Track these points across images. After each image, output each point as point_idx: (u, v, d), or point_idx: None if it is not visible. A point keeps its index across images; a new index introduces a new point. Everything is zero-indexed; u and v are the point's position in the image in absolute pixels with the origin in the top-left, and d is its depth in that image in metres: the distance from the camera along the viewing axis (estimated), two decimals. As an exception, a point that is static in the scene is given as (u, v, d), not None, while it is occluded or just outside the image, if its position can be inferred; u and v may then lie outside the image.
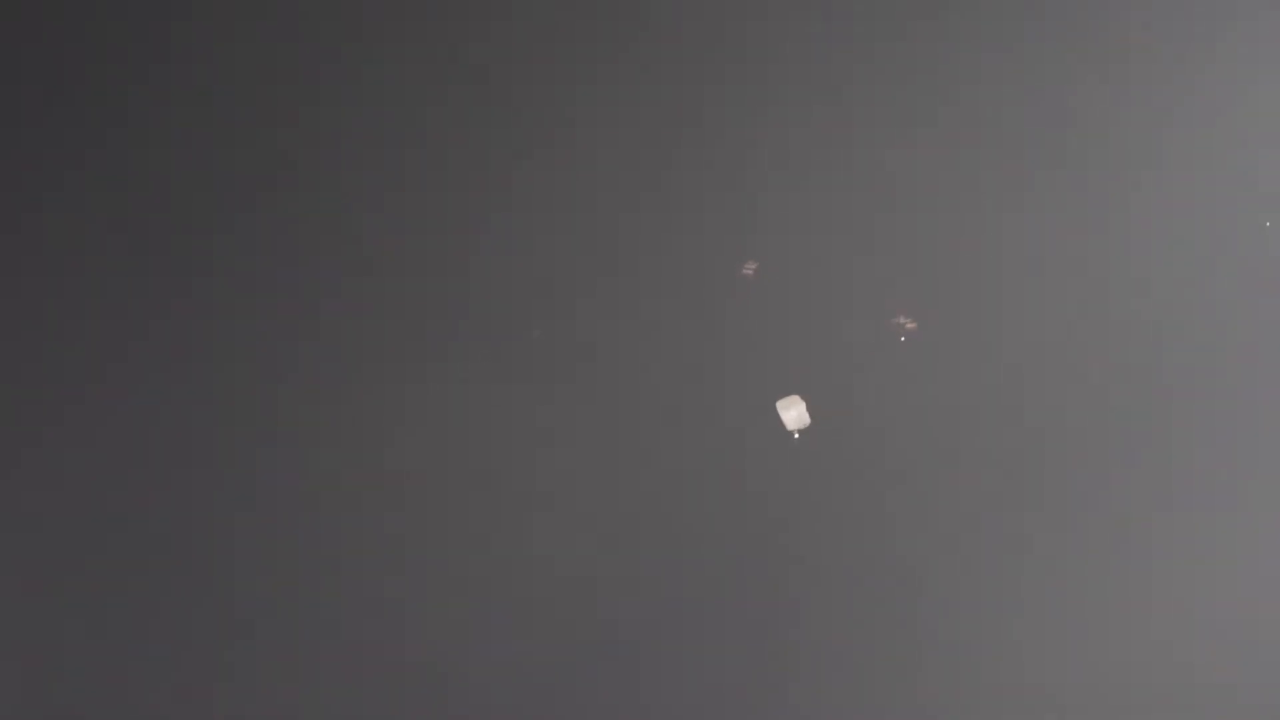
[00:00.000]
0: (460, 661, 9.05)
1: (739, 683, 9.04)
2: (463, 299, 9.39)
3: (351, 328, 9.38)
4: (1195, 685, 8.87)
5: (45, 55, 9.51)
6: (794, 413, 9.06)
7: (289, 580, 9.12)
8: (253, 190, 9.46)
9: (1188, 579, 8.93)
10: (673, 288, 9.36)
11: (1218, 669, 8.86)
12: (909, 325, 8.44)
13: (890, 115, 9.35)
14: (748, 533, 9.16)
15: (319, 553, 9.15)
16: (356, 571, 9.14)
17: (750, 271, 9.01)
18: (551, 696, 9.05)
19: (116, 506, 9.17)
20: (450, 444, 9.26)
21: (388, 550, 9.16)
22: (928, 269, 9.27)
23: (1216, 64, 9.23)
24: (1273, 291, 9.11)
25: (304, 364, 9.35)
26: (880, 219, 9.33)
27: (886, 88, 9.37)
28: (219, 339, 9.35)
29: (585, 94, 9.47)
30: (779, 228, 9.33)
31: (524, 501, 9.22)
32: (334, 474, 9.23)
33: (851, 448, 9.19)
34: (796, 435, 9.08)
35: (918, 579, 9.04)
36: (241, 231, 9.43)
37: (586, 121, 9.44)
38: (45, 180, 9.44)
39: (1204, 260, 9.18)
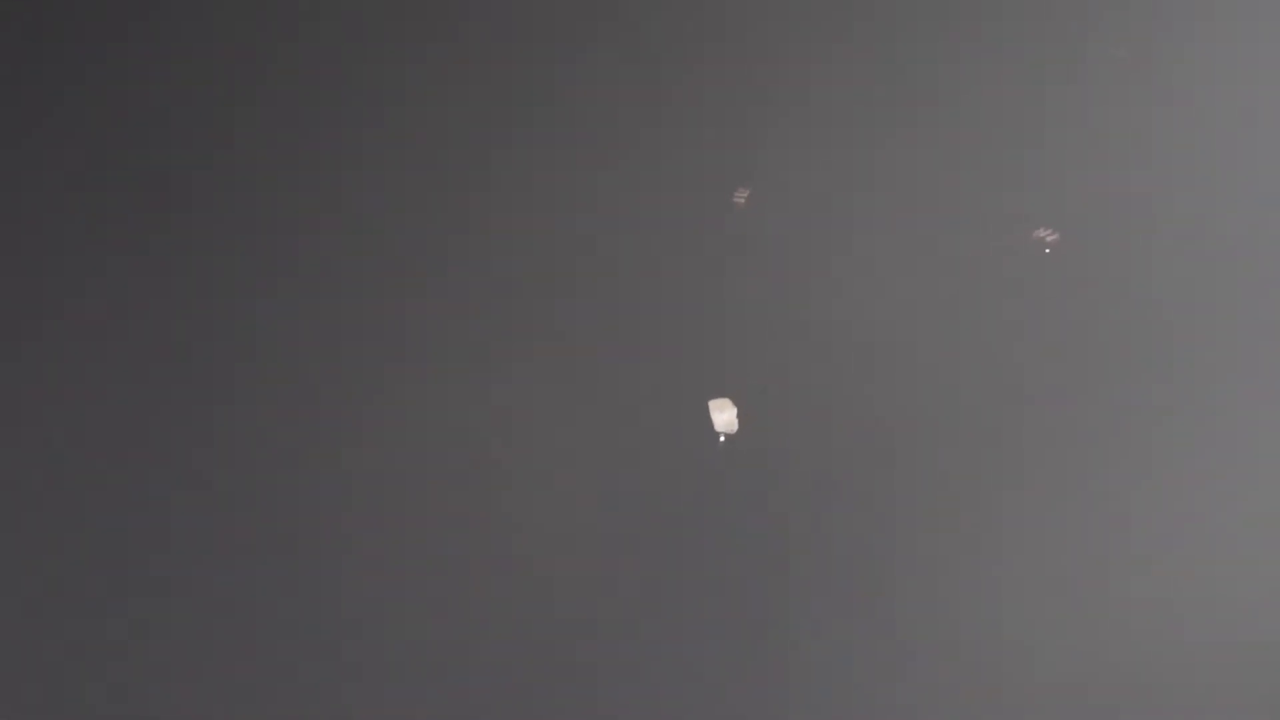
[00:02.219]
0: (453, 660, 9.08)
1: (733, 679, 9.06)
2: (453, 294, 9.43)
3: (342, 323, 9.42)
4: (1193, 678, 8.90)
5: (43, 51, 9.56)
6: (725, 416, 9.08)
7: (278, 577, 9.15)
8: (239, 184, 9.50)
9: (1186, 567, 8.96)
10: (670, 282, 9.39)
11: (1214, 659, 8.90)
12: (1050, 238, 8.42)
13: (886, 108, 9.40)
14: (744, 526, 9.19)
15: (313, 551, 9.18)
16: (347, 568, 9.17)
17: (741, 200, 9.01)
18: (544, 696, 9.07)
19: (103, 505, 9.20)
20: (440, 439, 9.30)
21: (379, 548, 9.19)
22: (923, 261, 9.31)
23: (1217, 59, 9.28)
24: (1271, 284, 9.16)
25: (296, 361, 9.38)
26: (875, 213, 9.37)
27: (882, 81, 9.42)
28: (206, 334, 9.37)
29: (576, 90, 9.50)
30: (776, 222, 9.36)
31: (517, 499, 9.25)
32: (326, 472, 9.26)
33: (848, 441, 9.22)
34: (723, 439, 9.10)
35: (914, 571, 9.07)
36: (227, 225, 9.46)
37: (581, 115, 9.48)
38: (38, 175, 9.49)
39: (1203, 254, 9.22)
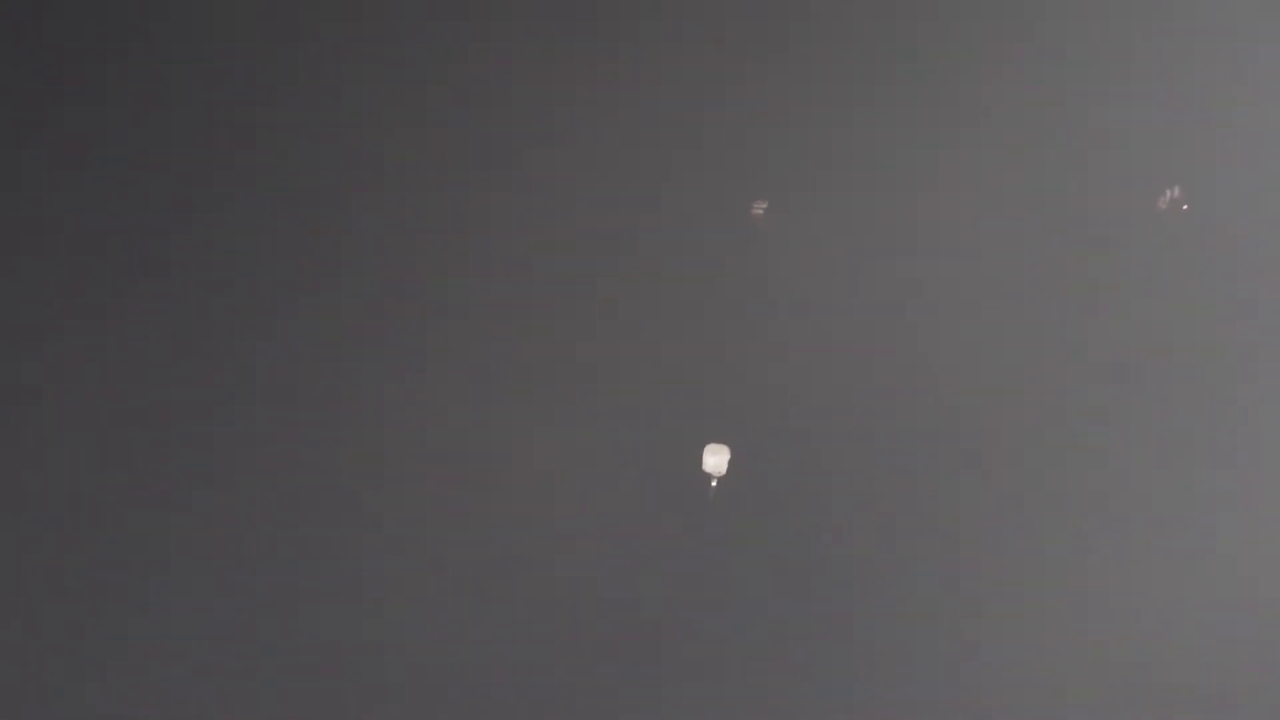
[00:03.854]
0: (452, 664, 9.03)
1: (738, 687, 9.02)
2: (455, 299, 9.39)
3: (343, 328, 9.38)
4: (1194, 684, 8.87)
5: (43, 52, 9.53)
6: (715, 459, 9.05)
7: (276, 581, 9.11)
8: (239, 185, 9.46)
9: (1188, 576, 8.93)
10: (674, 287, 9.35)
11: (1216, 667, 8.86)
12: (1178, 197, 8.36)
13: (891, 112, 9.37)
14: (749, 535, 9.16)
15: (310, 554, 9.14)
16: (346, 574, 9.13)
17: (759, 212, 8.98)
18: (545, 700, 9.03)
19: (101, 505, 9.15)
20: (441, 447, 9.25)
21: (378, 553, 9.15)
22: (924, 266, 9.28)
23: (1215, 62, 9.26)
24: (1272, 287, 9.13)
25: (296, 363, 9.34)
26: (874, 217, 9.34)
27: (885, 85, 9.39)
28: (204, 337, 9.33)
29: (583, 92, 9.47)
30: (784, 225, 9.32)
31: (519, 506, 9.21)
32: (326, 475, 9.22)
33: (853, 446, 9.19)
34: (714, 483, 9.07)
35: (919, 578, 9.04)
36: (226, 227, 9.42)
37: (585, 118, 9.44)
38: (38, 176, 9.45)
39: (1206, 258, 9.19)
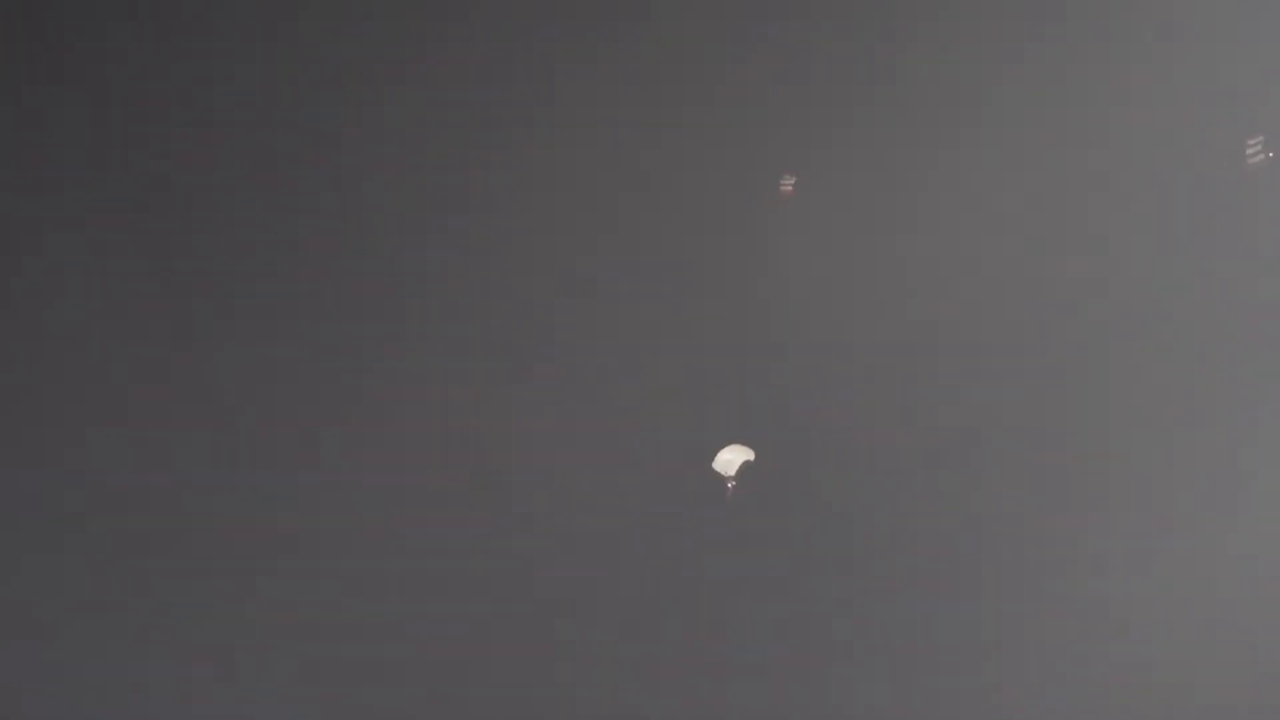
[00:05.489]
0: (457, 665, 9.04)
1: (741, 684, 9.03)
2: (460, 296, 9.39)
3: (347, 327, 9.38)
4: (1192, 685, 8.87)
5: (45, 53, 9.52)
6: (726, 456, 9.05)
7: (283, 581, 9.11)
8: (244, 187, 9.46)
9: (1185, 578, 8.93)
10: (680, 283, 9.35)
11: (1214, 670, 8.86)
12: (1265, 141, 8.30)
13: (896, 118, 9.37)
14: (752, 531, 9.16)
15: (315, 556, 9.15)
16: (352, 574, 9.14)
17: (788, 188, 8.96)
18: (549, 699, 9.04)
19: (107, 508, 9.16)
20: (448, 445, 9.26)
21: (384, 554, 9.16)
22: (924, 269, 9.28)
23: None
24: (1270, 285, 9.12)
25: (299, 365, 9.35)
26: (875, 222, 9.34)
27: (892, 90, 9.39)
28: (211, 338, 9.34)
29: (589, 85, 9.45)
30: (790, 227, 9.33)
31: (525, 505, 9.21)
32: (332, 477, 9.23)
33: (856, 449, 9.19)
34: (731, 484, 9.08)
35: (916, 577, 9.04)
36: (232, 228, 9.43)
37: (589, 113, 9.43)
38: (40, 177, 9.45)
39: (1201, 255, 9.18)
